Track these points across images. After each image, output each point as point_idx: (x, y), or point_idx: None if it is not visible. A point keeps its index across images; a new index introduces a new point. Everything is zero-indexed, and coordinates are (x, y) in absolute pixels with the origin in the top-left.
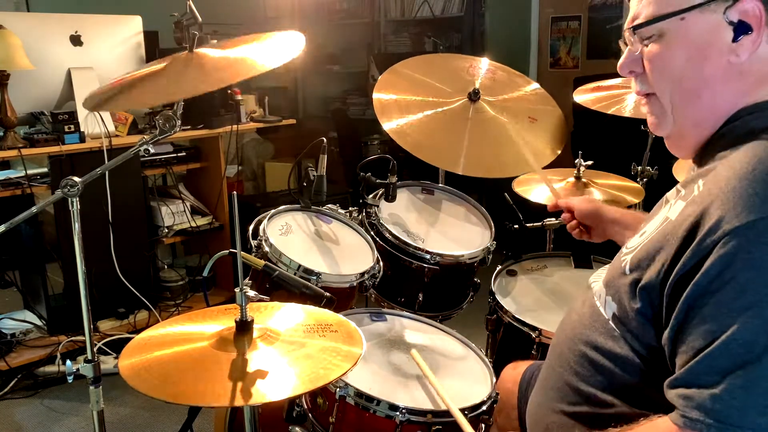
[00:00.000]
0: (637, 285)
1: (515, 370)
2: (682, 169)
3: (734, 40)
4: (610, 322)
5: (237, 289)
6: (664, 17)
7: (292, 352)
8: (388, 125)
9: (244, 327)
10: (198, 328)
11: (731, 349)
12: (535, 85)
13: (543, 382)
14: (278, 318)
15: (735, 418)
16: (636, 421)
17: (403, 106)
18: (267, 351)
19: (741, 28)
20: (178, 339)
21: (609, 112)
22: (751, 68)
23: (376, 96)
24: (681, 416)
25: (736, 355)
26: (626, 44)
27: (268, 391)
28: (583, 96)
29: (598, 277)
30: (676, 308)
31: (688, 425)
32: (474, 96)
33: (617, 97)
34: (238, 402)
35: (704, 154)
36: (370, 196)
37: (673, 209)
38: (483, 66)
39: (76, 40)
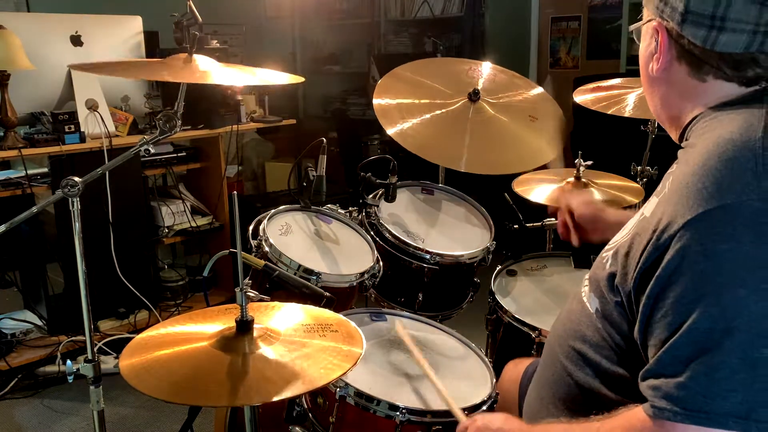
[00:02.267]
0: (614, 278)
1: (517, 367)
2: None
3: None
4: (594, 316)
5: (237, 289)
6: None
7: (292, 352)
8: (390, 128)
9: (244, 327)
10: (198, 328)
11: (692, 338)
12: (537, 89)
13: (537, 377)
14: (278, 318)
15: (700, 404)
16: (616, 409)
17: (404, 108)
18: (267, 351)
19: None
20: (179, 339)
21: (609, 112)
22: (682, 83)
23: (377, 101)
24: (651, 406)
25: (696, 343)
26: None
27: (268, 391)
28: (583, 96)
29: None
30: (642, 303)
31: (657, 414)
32: (474, 96)
33: (617, 97)
34: (238, 402)
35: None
36: (370, 196)
37: (648, 205)
38: (483, 69)
39: (76, 40)
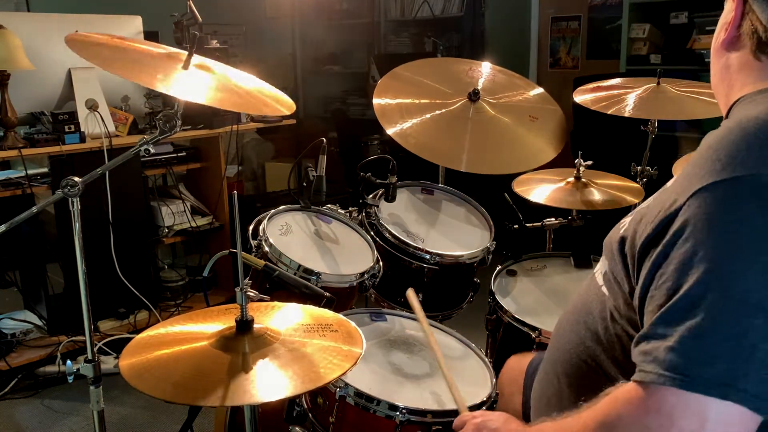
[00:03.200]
0: (625, 242)
1: (521, 360)
2: (682, 169)
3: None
4: (602, 288)
5: (237, 289)
6: None
7: (292, 351)
8: (390, 128)
9: (244, 326)
10: (198, 328)
11: (686, 303)
12: (537, 89)
13: (547, 356)
14: (278, 318)
15: (687, 367)
16: (604, 393)
17: (404, 109)
18: (267, 350)
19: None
20: (179, 339)
21: (609, 112)
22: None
23: (377, 101)
24: (639, 371)
25: (689, 307)
26: None
27: (268, 391)
28: (583, 96)
29: None
30: (645, 269)
31: (643, 378)
32: (474, 96)
33: (617, 97)
34: (238, 401)
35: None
36: (370, 196)
37: (673, 179)
38: (483, 69)
39: None
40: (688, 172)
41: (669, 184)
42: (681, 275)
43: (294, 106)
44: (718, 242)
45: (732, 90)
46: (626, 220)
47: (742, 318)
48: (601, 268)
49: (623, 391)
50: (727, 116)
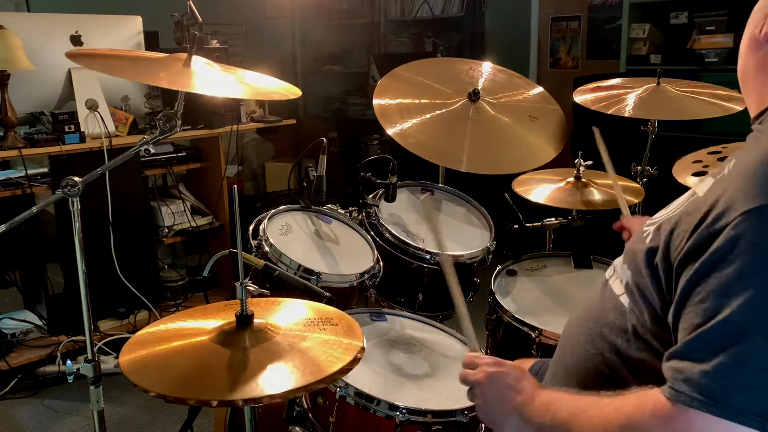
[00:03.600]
0: (654, 254)
1: (521, 366)
2: (682, 169)
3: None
4: (620, 298)
5: (237, 284)
6: None
7: (293, 345)
8: (390, 128)
9: (244, 321)
10: (198, 324)
11: (726, 328)
12: (537, 89)
13: (554, 363)
14: (278, 313)
15: (720, 395)
16: (629, 389)
17: (404, 109)
18: (267, 345)
19: None
20: (179, 334)
21: (609, 112)
22: None
23: (377, 101)
24: (669, 388)
25: (729, 334)
26: None
27: (268, 386)
28: (583, 96)
29: (618, 259)
30: (681, 283)
31: (674, 396)
32: (474, 96)
33: (617, 97)
34: (239, 396)
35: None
36: (370, 196)
37: (702, 185)
38: (483, 69)
39: (76, 40)
40: (737, 185)
41: (699, 191)
42: (722, 298)
43: (299, 91)
44: (765, 268)
45: None
46: (650, 230)
47: None
48: (620, 276)
49: (652, 400)
50: (759, 118)
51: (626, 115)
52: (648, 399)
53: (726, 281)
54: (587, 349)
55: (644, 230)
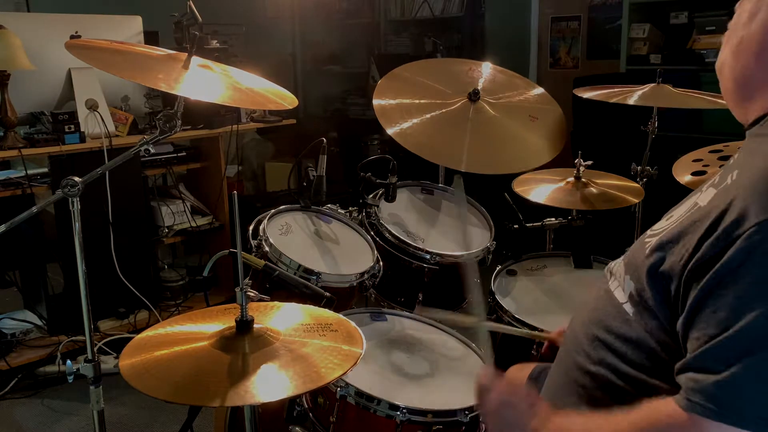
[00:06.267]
0: (659, 267)
1: (521, 371)
2: (682, 169)
3: None
4: (624, 306)
5: (237, 289)
6: None
7: (292, 351)
8: (390, 128)
9: (244, 327)
10: (198, 328)
11: (741, 340)
12: (537, 89)
13: (556, 368)
14: (278, 318)
15: (735, 406)
16: (638, 402)
17: (404, 109)
18: (267, 350)
19: None
20: (179, 339)
21: (612, 101)
22: None
23: (377, 101)
24: (684, 398)
25: (745, 345)
26: None
27: (268, 391)
28: (584, 95)
29: (615, 263)
30: (692, 295)
31: (689, 407)
32: (474, 96)
33: (618, 95)
34: (239, 402)
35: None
36: (370, 196)
37: (704, 195)
38: (482, 69)
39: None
40: (748, 195)
41: (700, 201)
42: (737, 308)
43: (296, 101)
44: None
45: None
46: (651, 242)
47: None
48: (622, 285)
49: (665, 409)
50: (758, 122)
51: (630, 103)
52: (662, 411)
53: (741, 292)
54: (591, 355)
55: (645, 242)
